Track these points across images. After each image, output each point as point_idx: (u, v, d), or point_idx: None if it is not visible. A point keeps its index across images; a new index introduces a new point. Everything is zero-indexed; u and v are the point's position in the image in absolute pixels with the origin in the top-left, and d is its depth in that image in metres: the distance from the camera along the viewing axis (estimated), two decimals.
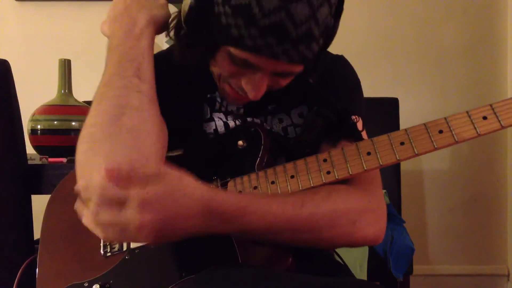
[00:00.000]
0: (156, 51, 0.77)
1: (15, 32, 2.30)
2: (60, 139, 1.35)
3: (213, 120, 0.85)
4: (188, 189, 0.58)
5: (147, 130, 0.67)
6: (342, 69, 0.89)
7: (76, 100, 1.42)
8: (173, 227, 0.57)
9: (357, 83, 0.89)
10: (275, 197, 0.68)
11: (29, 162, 1.28)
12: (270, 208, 0.65)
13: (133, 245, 0.77)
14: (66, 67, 1.40)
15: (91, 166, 0.64)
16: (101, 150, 0.64)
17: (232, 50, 0.68)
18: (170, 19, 0.80)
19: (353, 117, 0.81)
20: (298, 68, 0.72)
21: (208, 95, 0.85)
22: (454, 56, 2.23)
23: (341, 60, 0.90)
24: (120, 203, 0.54)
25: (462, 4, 2.23)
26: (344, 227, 0.70)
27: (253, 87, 0.72)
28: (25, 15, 2.29)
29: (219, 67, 0.73)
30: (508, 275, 2.23)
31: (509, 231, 2.23)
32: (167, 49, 0.89)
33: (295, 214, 0.67)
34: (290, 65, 0.69)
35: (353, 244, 0.73)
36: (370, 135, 0.84)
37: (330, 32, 0.71)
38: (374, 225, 0.73)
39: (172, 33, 0.79)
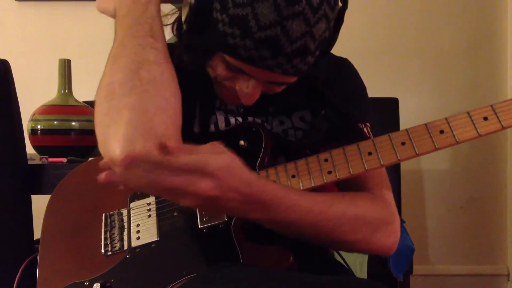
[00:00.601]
0: None
1: (15, 32, 2.30)
2: (60, 139, 1.35)
3: (214, 114, 0.85)
4: (240, 168, 0.60)
5: (167, 82, 0.66)
6: (347, 73, 0.89)
7: (76, 100, 1.42)
8: (222, 199, 0.59)
9: (364, 89, 0.90)
10: (306, 193, 0.70)
11: (29, 162, 1.28)
12: (302, 203, 0.67)
13: (134, 244, 0.77)
14: (66, 67, 1.40)
15: (116, 125, 0.62)
16: (125, 105, 0.62)
17: (227, 57, 0.69)
18: (171, 15, 0.81)
19: (359, 125, 0.82)
20: (293, 79, 0.72)
21: (211, 90, 0.85)
22: (454, 56, 2.23)
23: (345, 64, 0.90)
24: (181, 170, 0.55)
25: (462, 4, 2.23)
26: (365, 234, 0.73)
27: (246, 94, 0.72)
28: (25, 15, 2.29)
29: (214, 70, 0.74)
30: (508, 275, 2.23)
31: (509, 231, 2.23)
32: (169, 43, 0.89)
33: (324, 212, 0.68)
34: (283, 76, 0.69)
35: (370, 251, 0.77)
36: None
37: (327, 44, 0.72)
38: (391, 237, 0.76)
39: (174, 28, 0.80)
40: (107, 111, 0.63)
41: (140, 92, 0.63)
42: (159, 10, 0.73)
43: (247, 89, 0.72)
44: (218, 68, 0.73)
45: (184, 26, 0.73)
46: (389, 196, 0.80)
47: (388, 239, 0.76)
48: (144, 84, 0.63)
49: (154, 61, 0.66)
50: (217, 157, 0.57)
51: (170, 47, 0.81)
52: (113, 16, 0.75)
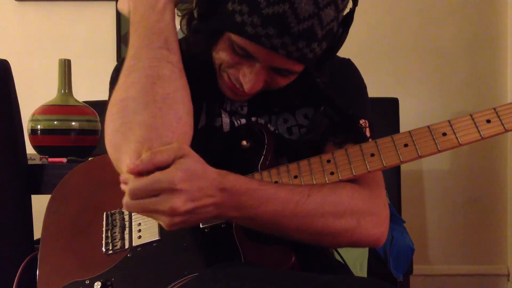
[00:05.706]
0: None
1: (15, 32, 2.30)
2: (60, 139, 1.35)
3: (220, 116, 0.85)
4: (204, 170, 0.61)
5: (180, 99, 0.67)
6: (350, 73, 0.89)
7: (76, 100, 1.41)
8: (198, 208, 0.60)
9: (364, 88, 0.90)
10: (283, 186, 0.70)
11: (29, 162, 1.28)
12: (278, 195, 0.67)
13: (135, 243, 0.77)
14: (66, 67, 1.40)
15: (127, 143, 0.63)
16: (137, 123, 0.63)
17: (234, 37, 0.69)
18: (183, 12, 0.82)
19: (361, 121, 0.82)
20: (297, 67, 0.72)
21: (218, 91, 0.85)
22: (454, 56, 2.24)
23: (348, 64, 0.91)
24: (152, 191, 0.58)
25: (462, 3, 2.23)
26: (349, 223, 0.71)
27: (249, 79, 0.72)
28: (25, 15, 2.29)
29: (220, 55, 0.74)
30: (508, 275, 2.23)
31: (509, 231, 2.23)
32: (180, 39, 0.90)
33: (302, 202, 0.68)
34: (288, 60, 0.69)
35: (356, 241, 0.73)
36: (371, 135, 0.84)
37: (336, 39, 0.72)
38: (378, 227, 0.74)
39: (184, 23, 0.81)
40: (118, 128, 0.65)
41: (153, 109, 0.64)
42: (174, 18, 0.73)
43: (250, 74, 0.72)
44: (224, 53, 0.73)
45: (195, 13, 0.74)
46: (379, 192, 0.77)
47: (375, 229, 0.73)
48: (158, 101, 0.64)
49: (169, 76, 0.67)
50: (177, 168, 0.58)
51: (181, 42, 0.81)
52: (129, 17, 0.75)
